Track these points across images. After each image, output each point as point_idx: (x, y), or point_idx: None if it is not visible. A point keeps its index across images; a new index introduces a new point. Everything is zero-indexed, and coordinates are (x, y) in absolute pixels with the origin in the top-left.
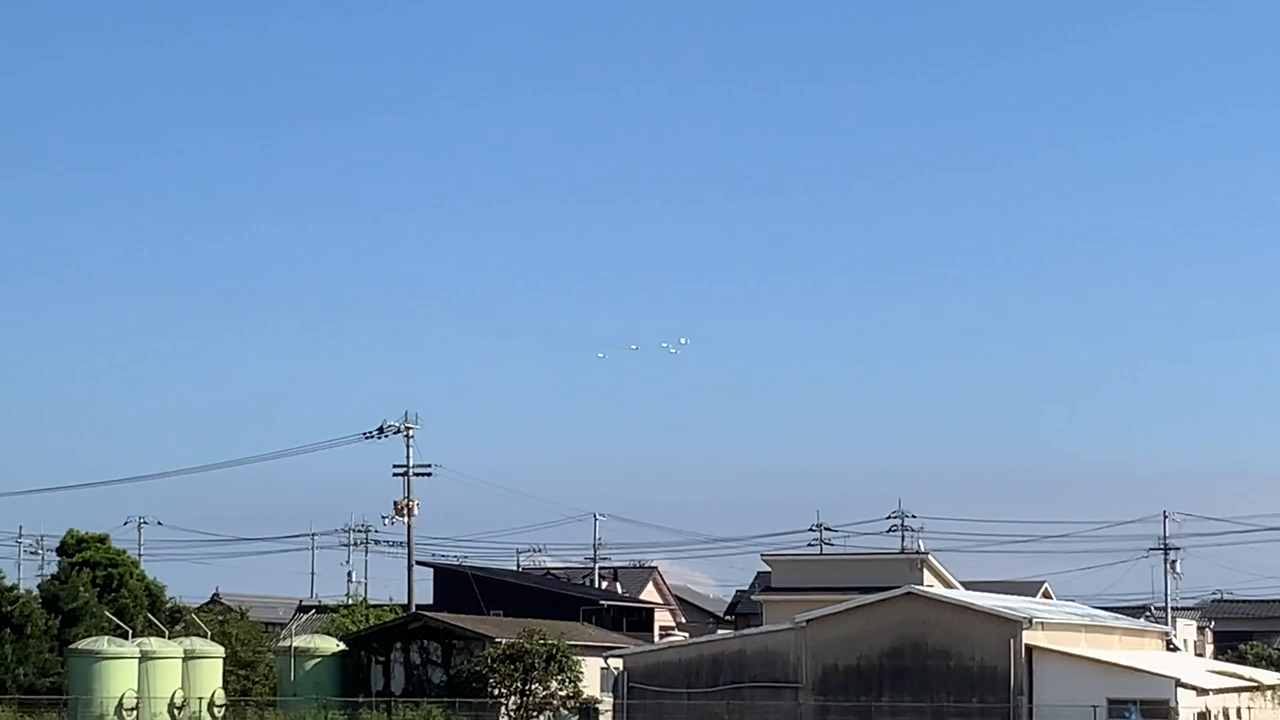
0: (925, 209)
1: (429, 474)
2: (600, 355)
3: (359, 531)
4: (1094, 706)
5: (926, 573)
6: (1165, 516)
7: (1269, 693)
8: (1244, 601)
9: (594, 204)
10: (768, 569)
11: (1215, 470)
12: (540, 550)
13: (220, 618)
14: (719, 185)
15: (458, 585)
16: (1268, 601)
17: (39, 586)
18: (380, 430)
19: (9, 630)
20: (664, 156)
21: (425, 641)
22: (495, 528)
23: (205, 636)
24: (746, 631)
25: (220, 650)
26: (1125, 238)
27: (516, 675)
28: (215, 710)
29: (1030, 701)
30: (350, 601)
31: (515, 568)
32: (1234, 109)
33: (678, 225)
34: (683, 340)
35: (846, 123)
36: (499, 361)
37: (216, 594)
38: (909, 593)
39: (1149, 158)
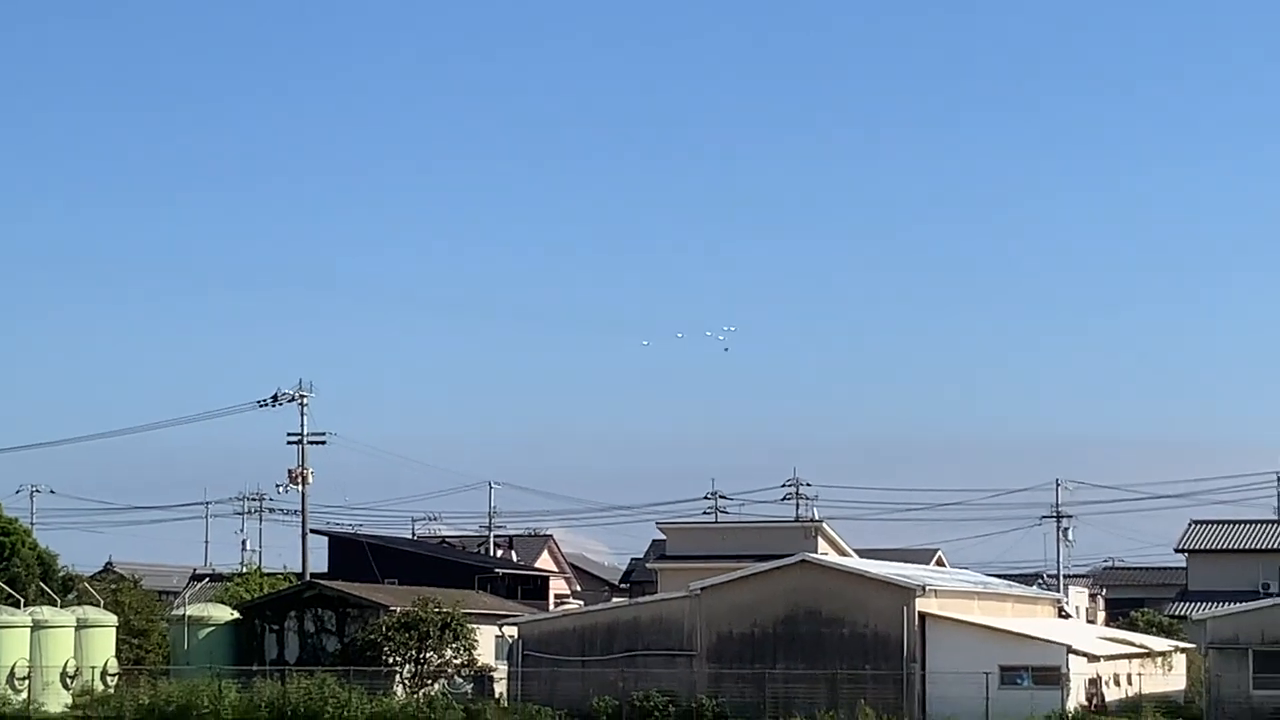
0: (812, 179)
1: (323, 442)
2: (645, 343)
3: (253, 500)
4: (986, 673)
5: (821, 541)
6: (1057, 484)
7: (1159, 659)
8: (1135, 568)
9: (492, 165)
10: (663, 537)
11: (1106, 438)
12: (435, 518)
13: (113, 586)
14: (606, 146)
15: (353, 554)
16: (1158, 568)
17: None
18: (274, 398)
19: None
20: (563, 116)
21: (319, 610)
22: (390, 496)
23: (98, 605)
24: (641, 599)
25: (113, 619)
26: (1015, 207)
27: (411, 644)
28: (108, 679)
29: (923, 668)
30: (244, 570)
31: (410, 536)
32: (1126, 79)
33: (574, 188)
34: (730, 328)
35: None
36: (395, 330)
37: (109, 563)
38: (803, 560)
39: (1045, 126)
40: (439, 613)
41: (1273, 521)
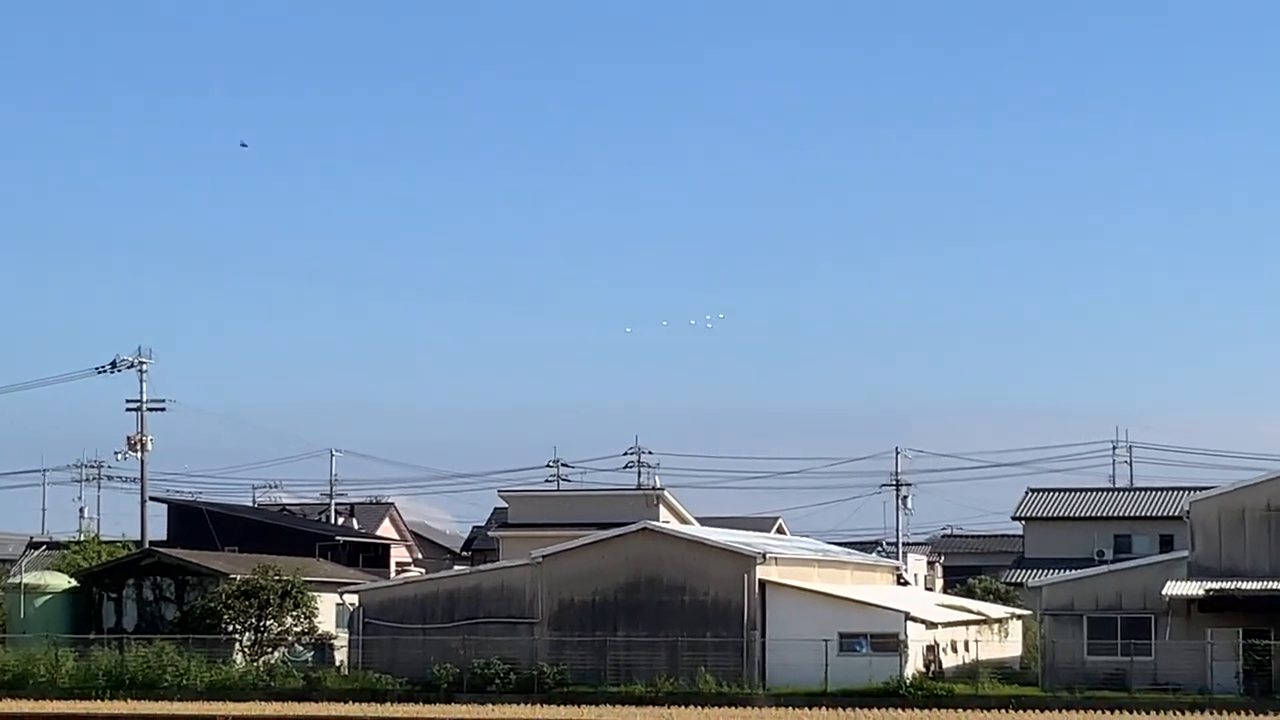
0: (649, 153)
1: (163, 409)
2: (628, 330)
3: (91, 467)
4: (825, 640)
5: (663, 508)
6: (897, 453)
7: (996, 626)
8: (972, 536)
9: (320, 120)
10: (505, 505)
11: (945, 407)
12: (276, 486)
13: None
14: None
15: (192, 521)
16: (995, 536)
17: None
18: (113, 365)
19: None
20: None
21: (158, 578)
22: (231, 463)
23: None
24: (483, 567)
25: None
26: (848, 172)
27: (251, 611)
28: None
29: (763, 635)
30: (82, 538)
31: (251, 504)
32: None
33: (421, 148)
34: (719, 315)
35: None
36: (235, 295)
37: None
38: (644, 528)
39: (859, 100)
40: (279, 580)
41: (1107, 490)
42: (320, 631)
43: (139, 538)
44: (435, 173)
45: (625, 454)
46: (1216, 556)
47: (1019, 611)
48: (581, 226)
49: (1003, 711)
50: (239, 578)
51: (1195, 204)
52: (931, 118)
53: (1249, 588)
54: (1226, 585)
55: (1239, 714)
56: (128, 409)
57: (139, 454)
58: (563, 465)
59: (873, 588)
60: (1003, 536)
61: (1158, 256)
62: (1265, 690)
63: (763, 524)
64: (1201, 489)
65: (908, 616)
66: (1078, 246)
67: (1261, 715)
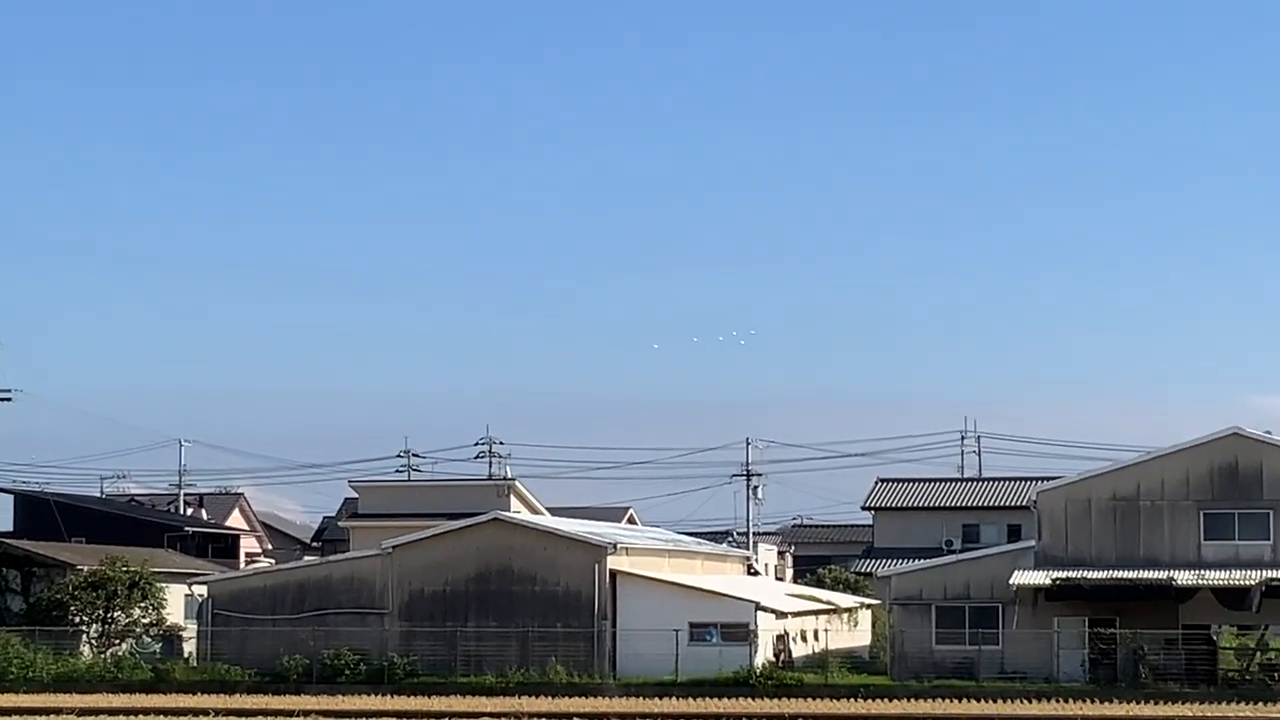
0: (506, 137)
1: (9, 399)
2: (655, 346)
3: None
4: (676, 630)
5: (514, 499)
6: (748, 443)
7: (846, 615)
8: (822, 526)
9: (180, 112)
10: (355, 495)
11: (796, 397)
12: (124, 476)
13: None
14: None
15: (39, 512)
16: (845, 526)
17: None
18: None
19: None
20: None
21: (4, 569)
22: (80, 453)
23: None
24: (333, 558)
25: None
26: (701, 169)
27: (98, 603)
28: None
29: (614, 625)
30: None
31: (99, 494)
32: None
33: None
34: (750, 331)
35: None
36: (83, 284)
37: None
38: (495, 519)
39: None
40: (127, 572)
41: (956, 480)
42: (168, 623)
43: None
44: (282, 161)
45: (476, 444)
46: (1063, 546)
47: (868, 601)
48: (431, 214)
49: (852, 700)
50: (86, 569)
51: (1040, 195)
52: (803, 116)
53: (1095, 577)
54: (1073, 574)
55: (1085, 701)
56: None
57: None
58: (413, 455)
59: (723, 578)
60: (852, 526)
61: (1003, 247)
62: (1110, 678)
63: (614, 514)
64: (1048, 479)
65: (758, 606)
66: (924, 240)
67: (1106, 703)
